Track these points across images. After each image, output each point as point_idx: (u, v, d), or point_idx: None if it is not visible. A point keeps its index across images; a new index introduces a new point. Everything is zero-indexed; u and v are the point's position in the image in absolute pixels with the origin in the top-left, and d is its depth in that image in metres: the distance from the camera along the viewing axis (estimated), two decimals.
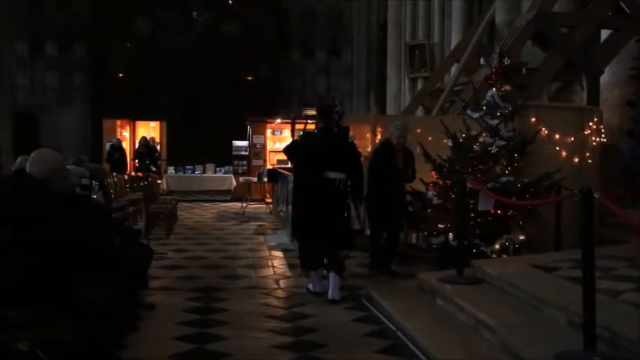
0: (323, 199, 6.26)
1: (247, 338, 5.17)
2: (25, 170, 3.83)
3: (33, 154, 3.87)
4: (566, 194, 6.30)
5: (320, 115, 6.60)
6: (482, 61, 9.27)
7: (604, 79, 11.19)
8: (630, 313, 4.30)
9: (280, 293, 6.77)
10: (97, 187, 5.22)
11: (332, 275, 6.28)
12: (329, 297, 6.22)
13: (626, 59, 12.13)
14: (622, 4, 10.60)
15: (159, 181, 16.32)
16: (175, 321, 5.47)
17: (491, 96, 7.16)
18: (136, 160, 17.21)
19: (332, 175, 6.28)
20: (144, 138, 17.84)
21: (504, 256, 7.01)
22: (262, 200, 15.57)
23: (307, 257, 6.57)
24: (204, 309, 5.95)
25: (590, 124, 8.14)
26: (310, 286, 6.60)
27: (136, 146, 17.97)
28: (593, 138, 8.19)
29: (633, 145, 11.33)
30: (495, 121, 7.12)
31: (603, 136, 8.50)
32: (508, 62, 7.18)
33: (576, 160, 7.85)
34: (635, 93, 12.91)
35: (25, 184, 3.63)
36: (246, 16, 21.92)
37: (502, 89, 7.16)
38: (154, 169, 16.59)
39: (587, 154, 8.03)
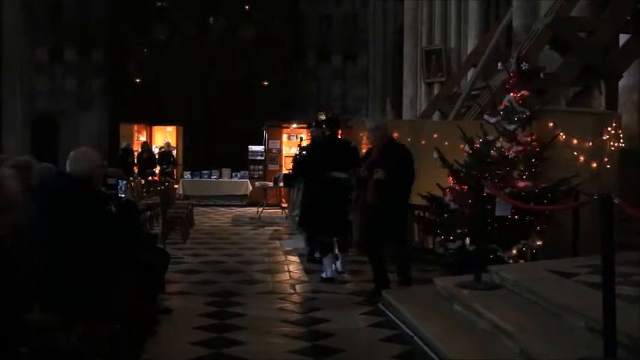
0: (328, 195, 7.43)
1: (264, 343, 5.18)
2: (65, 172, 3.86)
3: (73, 153, 3.90)
4: (584, 200, 6.25)
5: (328, 125, 8.20)
6: (499, 65, 9.22)
7: (622, 83, 11.09)
8: None
9: (296, 298, 6.79)
10: (124, 187, 5.27)
11: (340, 255, 7.77)
12: (339, 269, 7.71)
13: None
14: None
15: (176, 186, 16.38)
16: (192, 325, 5.50)
17: (509, 101, 7.12)
18: (135, 166, 17.07)
19: (336, 174, 7.42)
20: (145, 143, 17.91)
21: (521, 261, 6.97)
22: (278, 205, 15.59)
23: (315, 245, 8.19)
24: (221, 314, 5.97)
25: (609, 129, 8.07)
26: (323, 275, 7.52)
27: (145, 151, 17.84)
28: (612, 143, 8.11)
29: None
30: (513, 126, 7.08)
31: (622, 141, 8.41)
32: (526, 67, 7.14)
33: (594, 165, 7.78)
34: None
35: (73, 184, 3.68)
36: (262, 21, 22.02)
37: (520, 94, 7.12)
38: (156, 171, 16.53)
39: (606, 160, 7.96)
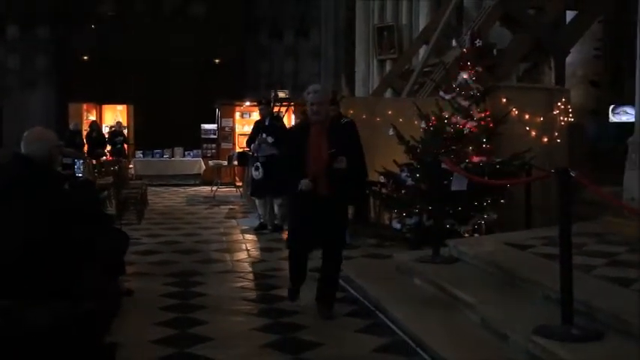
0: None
1: (228, 322, 5.18)
2: (21, 154, 3.75)
3: (27, 133, 3.80)
4: (541, 174, 6.40)
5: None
6: (453, 42, 9.33)
7: (568, 59, 11.36)
8: (604, 288, 4.44)
9: (256, 276, 6.78)
10: (81, 166, 5.17)
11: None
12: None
13: (589, 40, 12.32)
14: None
15: (130, 166, 16.12)
16: (155, 306, 5.46)
17: (463, 77, 7.22)
18: (85, 146, 16.66)
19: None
20: (94, 122, 17.55)
21: (476, 235, 7.13)
22: (232, 184, 15.51)
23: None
24: (182, 294, 5.94)
25: (559, 104, 8.28)
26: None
27: (94, 130, 17.42)
28: (562, 118, 8.33)
29: (598, 125, 11.54)
30: (467, 102, 7.19)
31: (571, 115, 8.64)
32: (480, 43, 7.25)
33: (545, 140, 7.98)
34: (598, 73, 13.14)
35: (31, 167, 3.58)
36: None
37: (474, 70, 7.23)
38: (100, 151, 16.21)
39: (556, 134, 8.17)
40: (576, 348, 3.71)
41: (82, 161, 5.28)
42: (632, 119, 10.23)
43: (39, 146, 3.71)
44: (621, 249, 5.57)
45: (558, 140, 8.14)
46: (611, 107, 12.66)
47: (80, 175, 5.04)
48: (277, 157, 8.73)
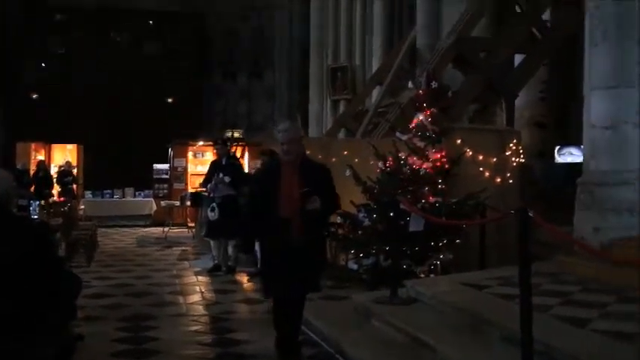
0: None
1: None
2: None
3: None
4: (504, 214, 6.45)
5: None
6: (409, 84, 9.48)
7: (515, 101, 11.65)
8: (562, 327, 4.46)
9: (211, 319, 6.62)
10: (37, 208, 5.00)
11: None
12: None
13: (534, 82, 12.69)
14: (534, 29, 11.13)
15: (81, 207, 15.75)
16: (107, 352, 5.28)
17: (420, 118, 7.32)
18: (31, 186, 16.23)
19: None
20: (42, 162, 17.19)
21: (432, 275, 7.15)
22: (184, 225, 15.28)
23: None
24: (135, 339, 5.75)
25: (511, 145, 8.44)
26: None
27: (41, 170, 17.00)
28: (514, 159, 8.49)
29: (546, 166, 11.81)
30: (423, 143, 7.28)
31: (522, 156, 8.81)
32: (436, 85, 7.37)
33: (498, 180, 8.10)
34: (543, 115, 13.52)
35: None
36: (168, 38, 21.68)
37: (430, 111, 7.33)
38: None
39: (508, 175, 8.31)
40: None
41: (37, 203, 5.12)
42: (577, 160, 10.55)
43: None
44: (575, 288, 5.64)
45: (510, 181, 8.28)
46: (557, 148, 13.03)
47: (36, 217, 4.88)
48: (239, 197, 8.62)
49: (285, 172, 4.90)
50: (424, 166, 7.11)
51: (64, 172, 16.83)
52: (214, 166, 9.47)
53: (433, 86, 7.35)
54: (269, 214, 4.81)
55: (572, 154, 12.66)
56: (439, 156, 7.35)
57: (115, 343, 5.58)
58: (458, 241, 7.14)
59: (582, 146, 9.88)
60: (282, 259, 4.78)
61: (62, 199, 10.97)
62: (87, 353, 5.22)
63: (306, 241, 4.78)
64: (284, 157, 4.94)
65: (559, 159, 12.89)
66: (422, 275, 7.09)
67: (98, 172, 19.15)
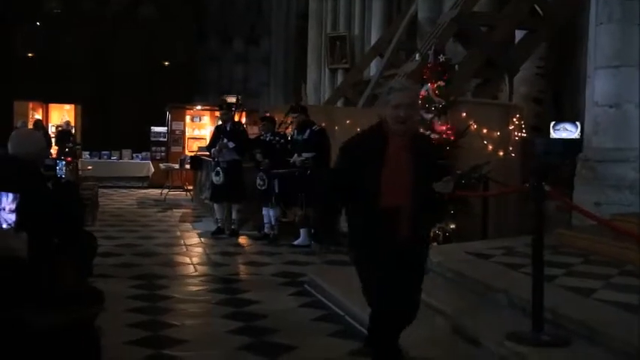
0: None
1: (200, 325, 5.22)
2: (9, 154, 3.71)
3: (16, 134, 3.76)
4: (521, 187, 6.58)
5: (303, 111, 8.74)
6: (417, 56, 9.57)
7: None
8: (567, 296, 4.68)
9: (220, 280, 6.81)
10: (63, 167, 5.12)
11: None
12: None
13: (533, 58, 12.80)
14: (536, 6, 11.22)
15: (89, 167, 15.82)
16: (123, 308, 5.45)
17: (427, 91, 7.44)
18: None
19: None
20: (39, 121, 17.18)
21: (435, 244, 7.34)
22: (182, 187, 15.41)
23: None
24: (150, 296, 5.94)
25: (514, 119, 8.61)
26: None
27: (38, 129, 17.03)
28: (516, 133, 8.67)
29: (546, 141, 11.98)
30: (430, 115, 7.42)
31: (524, 131, 8.98)
32: (443, 59, 7.49)
33: (501, 153, 8.28)
34: (540, 90, 13.66)
35: (21, 167, 3.56)
36: (164, 1, 21.53)
37: (436, 84, 7.46)
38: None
39: (511, 149, 8.49)
40: (547, 353, 3.93)
41: (63, 162, 5.24)
42: (571, 136, 10.74)
43: (29, 147, 3.69)
44: (576, 260, 5.85)
45: (512, 154, 8.46)
46: (552, 124, 13.19)
47: (63, 175, 5.00)
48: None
49: (392, 146, 3.66)
50: (431, 137, 7.25)
51: (63, 132, 16.85)
52: (218, 131, 9.57)
53: (441, 59, 7.46)
54: (365, 202, 3.66)
55: (567, 129, 12.83)
56: (444, 128, 7.50)
57: (130, 299, 5.76)
58: (460, 211, 7.33)
59: (577, 122, 10.12)
60: (387, 265, 3.67)
61: (69, 159, 10.99)
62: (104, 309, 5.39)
63: (415, 242, 3.74)
64: (395, 126, 3.66)
65: (554, 134, 13.06)
66: None
67: (96, 132, 19.19)
